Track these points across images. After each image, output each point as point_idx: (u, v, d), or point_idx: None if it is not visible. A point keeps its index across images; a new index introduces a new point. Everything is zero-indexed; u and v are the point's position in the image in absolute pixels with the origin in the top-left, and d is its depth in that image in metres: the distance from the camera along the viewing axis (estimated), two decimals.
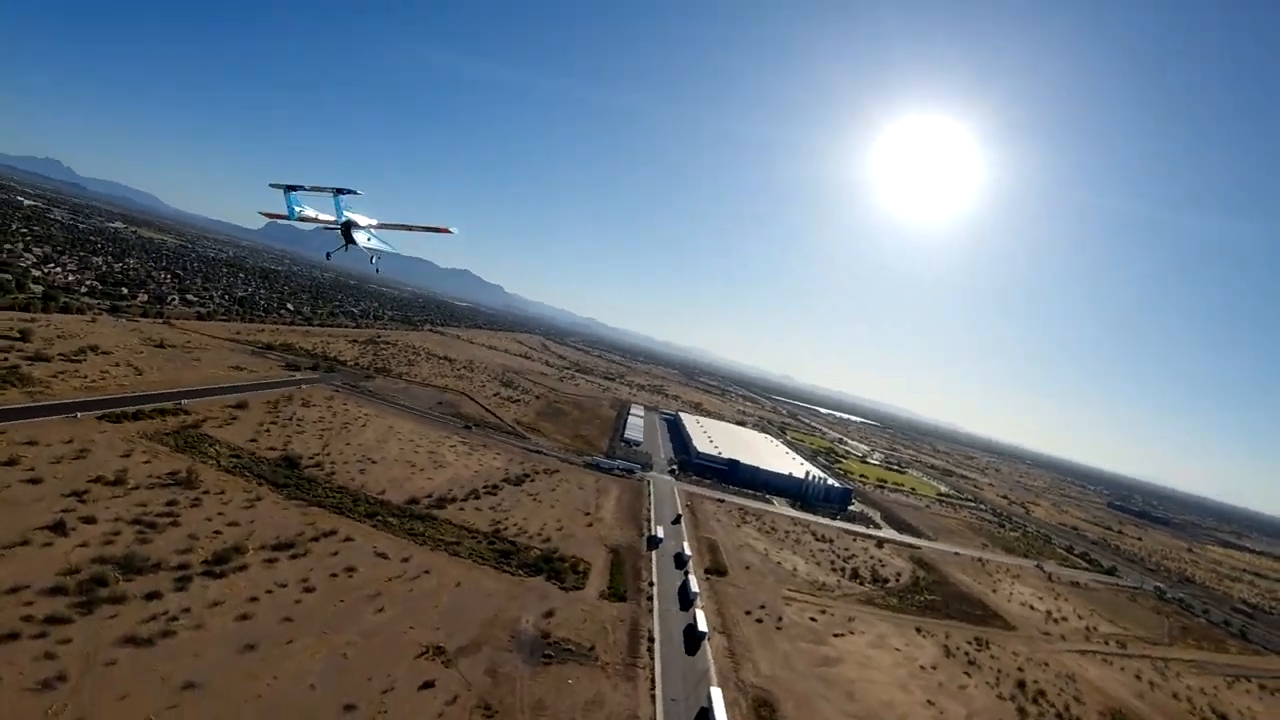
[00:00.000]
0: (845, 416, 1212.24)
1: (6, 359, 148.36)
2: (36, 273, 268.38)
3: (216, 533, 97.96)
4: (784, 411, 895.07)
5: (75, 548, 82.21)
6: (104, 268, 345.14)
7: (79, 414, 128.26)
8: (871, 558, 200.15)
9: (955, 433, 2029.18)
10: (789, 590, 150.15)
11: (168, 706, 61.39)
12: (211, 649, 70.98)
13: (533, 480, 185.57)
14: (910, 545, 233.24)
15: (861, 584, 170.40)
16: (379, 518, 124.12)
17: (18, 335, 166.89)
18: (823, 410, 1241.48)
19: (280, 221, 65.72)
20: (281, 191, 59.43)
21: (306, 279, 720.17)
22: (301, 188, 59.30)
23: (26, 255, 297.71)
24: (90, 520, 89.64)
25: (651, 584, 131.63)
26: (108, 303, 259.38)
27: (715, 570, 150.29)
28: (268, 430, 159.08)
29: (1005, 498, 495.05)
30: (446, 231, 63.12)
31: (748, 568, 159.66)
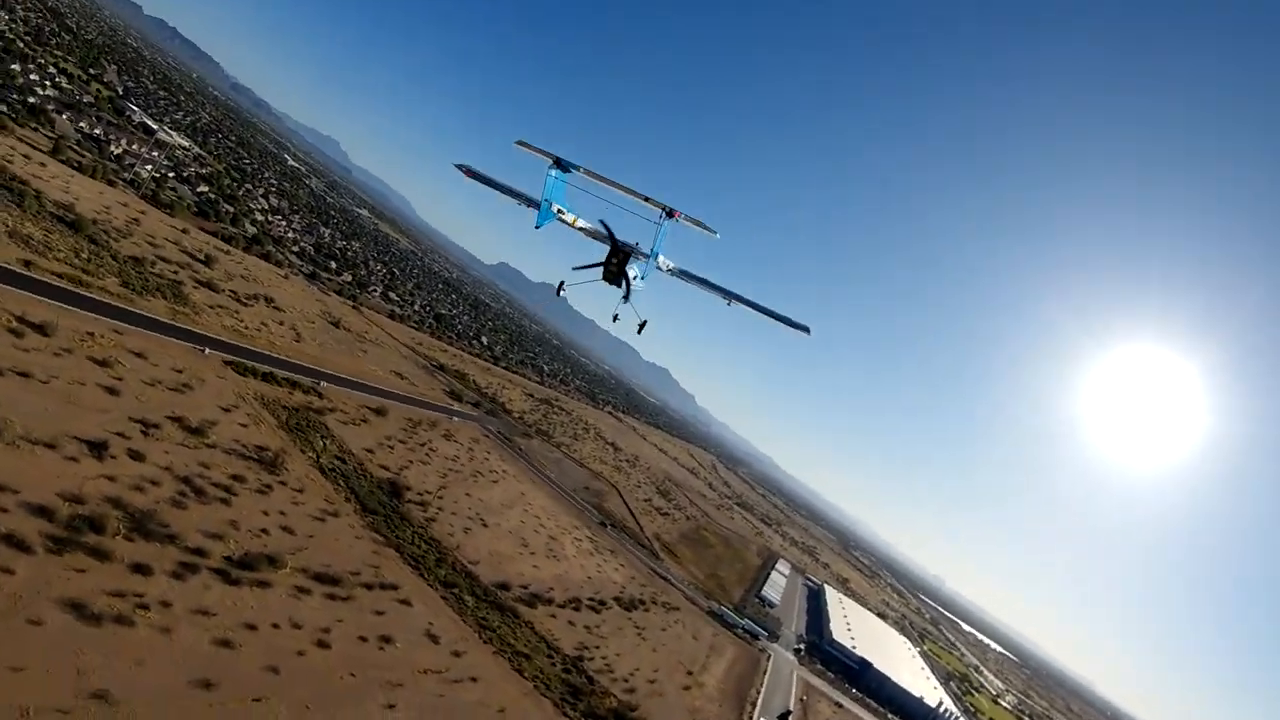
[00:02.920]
0: (986, 640, 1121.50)
1: (177, 273, 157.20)
2: (260, 217, 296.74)
3: (263, 531, 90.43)
4: (927, 616, 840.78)
5: (98, 476, 77.07)
6: (327, 238, 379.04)
7: (207, 350, 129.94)
8: None
9: (1092, 691, 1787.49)
10: None
11: (58, 709, 50.94)
12: (160, 664, 60.56)
13: (646, 610, 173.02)
14: None
15: None
16: (455, 590, 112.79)
17: (202, 258, 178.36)
18: (965, 626, 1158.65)
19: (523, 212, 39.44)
20: (549, 166, 33.48)
21: (513, 323, 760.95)
22: (575, 168, 33.35)
23: (261, 200, 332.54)
24: (138, 456, 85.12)
25: None
26: (310, 268, 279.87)
27: None
28: (391, 447, 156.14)
29: None
30: (805, 330, 45.21)
31: None
